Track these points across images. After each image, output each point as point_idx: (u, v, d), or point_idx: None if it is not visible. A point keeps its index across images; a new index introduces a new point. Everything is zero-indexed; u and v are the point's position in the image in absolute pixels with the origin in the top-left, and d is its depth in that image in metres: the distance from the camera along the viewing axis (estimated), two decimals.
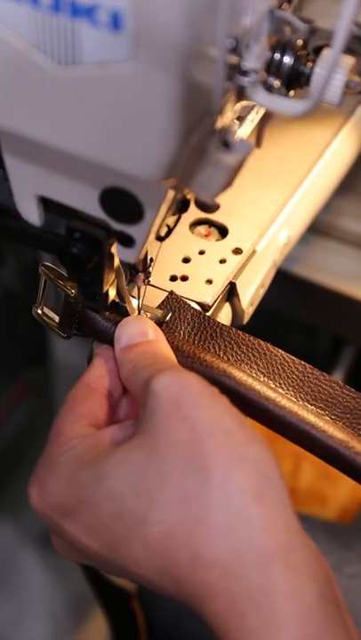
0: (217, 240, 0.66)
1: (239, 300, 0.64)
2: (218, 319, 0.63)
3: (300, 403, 0.54)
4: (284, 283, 0.90)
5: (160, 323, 0.57)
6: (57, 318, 0.58)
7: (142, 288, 0.57)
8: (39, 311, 0.59)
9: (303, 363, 0.56)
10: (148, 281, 0.57)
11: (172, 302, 0.59)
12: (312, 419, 0.52)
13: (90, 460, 0.46)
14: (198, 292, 0.62)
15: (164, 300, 0.59)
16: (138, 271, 0.56)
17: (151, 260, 0.56)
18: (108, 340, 0.54)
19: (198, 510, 0.42)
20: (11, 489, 1.65)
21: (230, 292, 0.64)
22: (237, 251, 0.65)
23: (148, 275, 0.56)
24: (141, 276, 0.56)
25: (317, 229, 0.92)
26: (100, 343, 0.56)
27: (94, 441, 0.48)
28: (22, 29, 0.38)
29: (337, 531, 0.86)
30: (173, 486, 0.43)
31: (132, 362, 0.50)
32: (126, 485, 0.44)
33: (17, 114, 0.42)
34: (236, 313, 0.65)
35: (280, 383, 0.55)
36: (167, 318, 0.57)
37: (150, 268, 0.56)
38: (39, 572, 1.58)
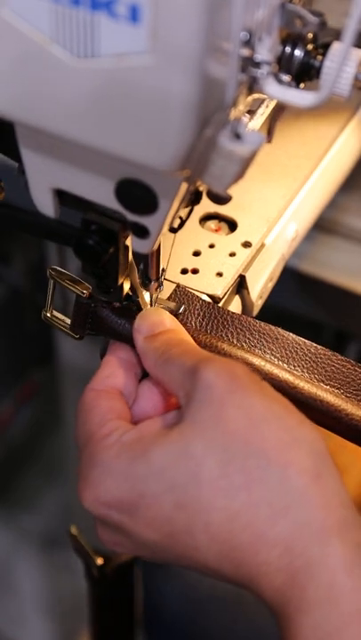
0: (226, 235, 0.67)
1: (249, 293, 0.65)
2: None
3: (317, 383, 0.55)
4: (290, 279, 0.91)
5: (174, 315, 0.57)
6: (67, 320, 0.59)
7: (154, 295, 0.58)
8: (48, 314, 0.60)
9: (315, 344, 0.57)
10: (161, 290, 0.58)
11: (180, 295, 0.60)
12: (331, 399, 0.53)
13: (141, 453, 0.46)
14: (209, 284, 0.63)
15: (171, 294, 0.60)
16: (151, 280, 0.57)
17: (163, 270, 0.57)
18: (124, 336, 0.55)
19: (260, 493, 0.44)
20: (17, 488, 1.65)
21: (240, 285, 0.65)
22: (247, 244, 0.66)
23: (160, 284, 0.57)
24: (155, 284, 0.57)
25: (322, 226, 0.93)
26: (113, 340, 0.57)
27: (138, 434, 0.48)
28: (42, 23, 0.39)
29: None
30: (235, 473, 0.44)
31: (158, 350, 0.51)
32: (188, 477, 0.45)
33: (35, 107, 0.43)
34: (246, 305, 0.66)
35: (294, 366, 0.56)
36: (181, 310, 0.58)
37: (162, 278, 0.57)
38: (42, 571, 1.59)
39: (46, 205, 0.51)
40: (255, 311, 0.67)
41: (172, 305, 0.58)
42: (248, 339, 0.56)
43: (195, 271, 0.64)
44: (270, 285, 0.68)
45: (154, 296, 0.58)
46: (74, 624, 1.50)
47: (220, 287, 0.63)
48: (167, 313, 0.55)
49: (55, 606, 1.55)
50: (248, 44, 0.42)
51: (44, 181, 0.50)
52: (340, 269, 0.92)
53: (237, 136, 0.43)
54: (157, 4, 0.36)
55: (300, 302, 0.98)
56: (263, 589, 0.44)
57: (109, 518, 0.47)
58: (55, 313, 0.60)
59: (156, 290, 0.58)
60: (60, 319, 0.60)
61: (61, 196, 0.51)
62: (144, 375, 0.55)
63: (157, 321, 0.53)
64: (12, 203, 0.57)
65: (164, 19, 0.37)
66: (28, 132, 0.47)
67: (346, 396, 0.54)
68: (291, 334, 0.57)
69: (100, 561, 0.75)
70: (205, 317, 0.58)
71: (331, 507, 0.44)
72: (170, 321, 0.54)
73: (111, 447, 0.48)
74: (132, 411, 0.53)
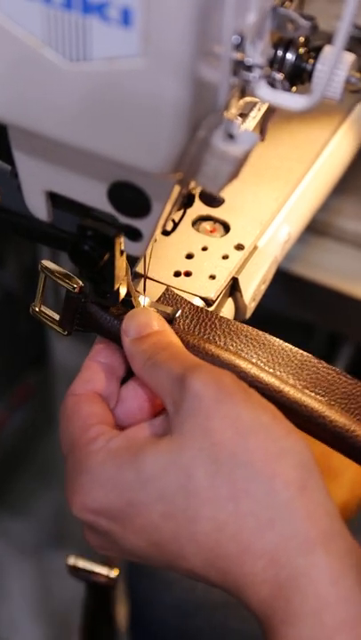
0: (221, 236, 0.68)
1: (241, 295, 0.65)
2: (221, 314, 0.64)
3: (301, 389, 0.55)
4: (282, 281, 0.91)
5: (170, 320, 0.57)
6: (56, 316, 0.59)
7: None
8: (37, 309, 0.60)
9: (301, 351, 0.57)
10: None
11: (169, 298, 0.60)
12: (315, 405, 0.53)
13: (129, 460, 0.46)
14: (202, 287, 0.63)
15: (160, 297, 0.60)
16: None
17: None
18: (112, 333, 0.55)
19: (247, 505, 0.44)
20: (12, 491, 1.65)
21: (233, 288, 0.65)
22: (239, 247, 0.66)
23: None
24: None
25: (315, 229, 0.93)
26: (102, 338, 0.57)
27: (125, 441, 0.48)
28: (34, 26, 0.39)
29: None
30: (222, 484, 0.44)
31: (145, 352, 0.51)
32: (177, 487, 0.45)
33: (27, 109, 0.43)
34: (239, 308, 0.66)
35: (280, 371, 0.56)
36: (177, 315, 0.58)
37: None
38: (35, 574, 1.59)
39: (39, 208, 0.52)
40: (248, 313, 0.67)
41: (168, 309, 0.58)
42: (235, 342, 0.57)
43: (187, 274, 0.64)
44: (263, 288, 0.68)
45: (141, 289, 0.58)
46: (65, 628, 1.50)
47: (213, 290, 0.63)
48: (155, 314, 0.54)
49: (47, 610, 1.54)
50: (240, 47, 0.42)
51: (37, 184, 0.50)
52: (333, 271, 0.92)
53: (230, 136, 0.44)
54: (149, 7, 0.37)
55: (293, 304, 0.98)
56: (250, 600, 0.45)
57: (97, 525, 0.47)
58: (44, 308, 0.60)
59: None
60: (48, 314, 0.60)
61: (55, 199, 0.51)
62: (129, 375, 0.55)
63: (145, 322, 0.53)
64: (6, 206, 0.57)
65: (156, 22, 0.37)
66: (21, 135, 0.47)
67: (330, 404, 0.55)
68: (278, 340, 0.57)
69: (115, 572, 0.75)
70: (193, 320, 0.58)
71: (316, 517, 0.44)
72: (158, 322, 0.53)
73: (97, 453, 0.48)
74: (117, 412, 0.53)
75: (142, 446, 0.47)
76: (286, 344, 0.57)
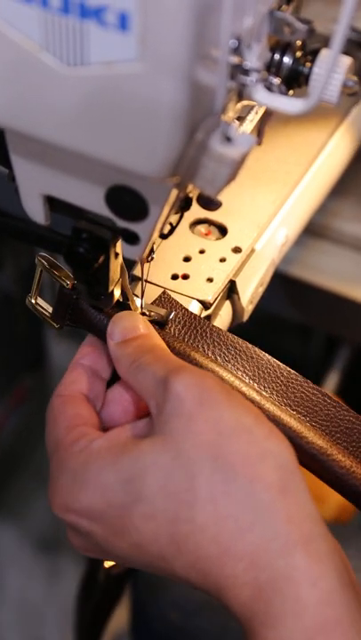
0: (217, 239, 0.68)
1: (239, 298, 0.65)
2: (218, 317, 0.64)
3: (283, 407, 0.55)
4: (280, 284, 0.91)
5: (164, 322, 0.57)
6: (50, 309, 0.59)
7: (143, 284, 0.58)
8: (33, 301, 0.60)
9: (288, 368, 0.57)
10: (152, 257, 0.56)
11: (165, 301, 0.60)
12: (294, 424, 0.53)
13: (111, 462, 0.47)
14: (199, 289, 0.63)
15: (155, 300, 0.60)
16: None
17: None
18: (101, 332, 0.55)
19: (227, 507, 0.44)
20: (9, 494, 1.65)
21: (230, 290, 0.65)
22: (237, 249, 0.66)
23: (151, 251, 0.56)
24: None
25: (313, 231, 0.93)
26: (89, 340, 0.57)
27: (107, 442, 0.48)
28: (32, 31, 0.39)
29: (335, 528, 0.87)
30: (202, 486, 0.44)
31: (130, 356, 0.51)
32: (157, 488, 0.45)
33: (25, 114, 0.43)
34: (236, 310, 0.66)
35: (265, 386, 0.56)
36: (170, 317, 0.58)
37: (155, 246, 0.56)
38: (35, 575, 1.59)
39: (37, 212, 0.52)
40: (246, 316, 0.67)
41: (162, 311, 0.58)
42: (223, 353, 0.56)
43: (185, 277, 0.64)
44: (261, 290, 0.68)
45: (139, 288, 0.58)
46: (62, 629, 1.50)
47: (210, 292, 0.63)
48: (141, 317, 0.55)
49: (44, 611, 1.54)
50: (237, 51, 0.42)
51: (35, 188, 0.50)
52: (331, 274, 0.92)
53: (228, 139, 0.44)
54: (146, 12, 0.37)
55: (291, 307, 0.98)
56: (231, 602, 0.44)
57: (79, 525, 0.47)
58: (39, 301, 0.60)
59: (147, 259, 0.57)
60: (43, 307, 0.60)
61: (52, 203, 0.51)
62: (114, 378, 0.55)
63: (130, 326, 0.53)
64: (3, 209, 0.58)
65: (153, 27, 0.37)
66: (19, 139, 0.47)
67: (311, 425, 0.54)
68: (267, 355, 0.57)
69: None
70: (185, 326, 0.58)
71: (296, 520, 0.44)
72: (143, 325, 0.53)
73: (79, 454, 0.48)
74: (103, 415, 0.53)
75: (123, 447, 0.47)
76: (275, 360, 0.57)
